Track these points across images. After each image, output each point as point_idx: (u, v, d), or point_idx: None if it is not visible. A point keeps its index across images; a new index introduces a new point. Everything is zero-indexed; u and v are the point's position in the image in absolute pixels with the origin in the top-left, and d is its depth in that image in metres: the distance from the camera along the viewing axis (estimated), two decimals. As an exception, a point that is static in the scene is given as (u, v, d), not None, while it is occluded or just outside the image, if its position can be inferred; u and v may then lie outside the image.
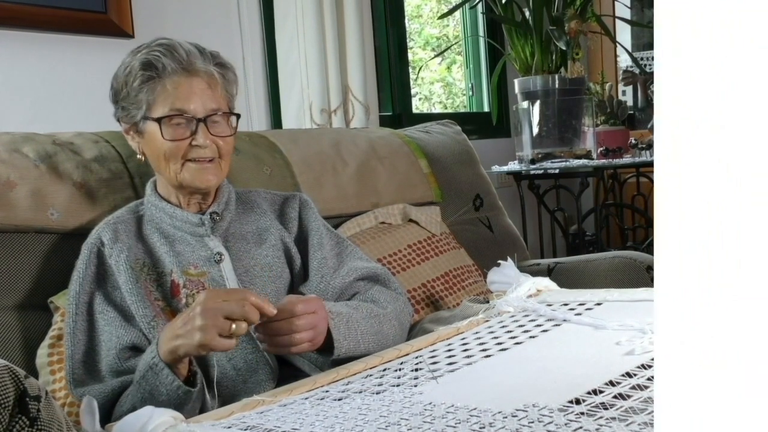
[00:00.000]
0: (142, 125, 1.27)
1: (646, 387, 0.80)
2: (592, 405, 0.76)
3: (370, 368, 1.02)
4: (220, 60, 1.30)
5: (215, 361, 1.18)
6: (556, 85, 2.85)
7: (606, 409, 0.75)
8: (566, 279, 1.70)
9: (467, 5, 3.15)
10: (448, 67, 3.63)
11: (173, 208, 1.30)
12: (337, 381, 0.98)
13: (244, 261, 1.31)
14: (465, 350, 1.05)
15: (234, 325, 1.01)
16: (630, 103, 3.63)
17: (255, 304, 1.03)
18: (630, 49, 3.59)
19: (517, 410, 0.77)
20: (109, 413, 1.13)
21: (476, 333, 1.13)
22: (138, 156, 1.32)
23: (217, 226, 1.32)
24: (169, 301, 1.24)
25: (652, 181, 3.09)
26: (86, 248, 1.28)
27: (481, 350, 1.04)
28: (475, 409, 0.79)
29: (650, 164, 2.80)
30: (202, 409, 1.13)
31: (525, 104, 2.84)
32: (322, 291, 1.34)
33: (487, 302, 1.28)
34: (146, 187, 1.35)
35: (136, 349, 1.19)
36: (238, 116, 1.32)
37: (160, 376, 1.06)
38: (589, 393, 0.80)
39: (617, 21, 3.48)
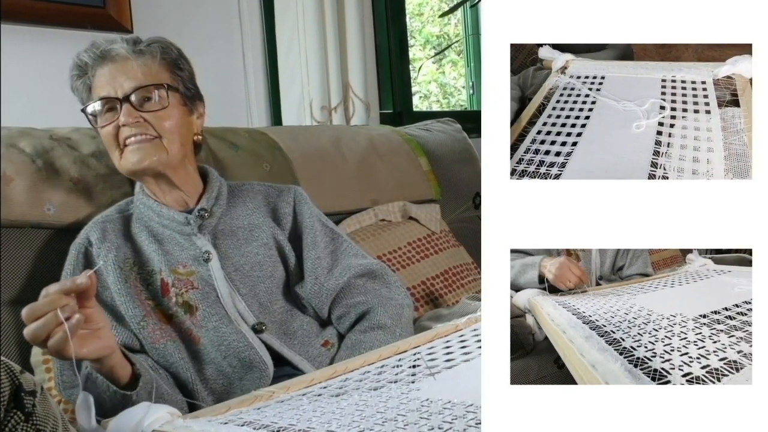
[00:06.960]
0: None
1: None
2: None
3: (368, 365, 1.01)
4: (140, 39, 1.29)
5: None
6: (557, 84, 2.84)
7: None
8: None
9: (468, 3, 3.14)
10: (442, 67, 3.63)
11: (160, 206, 1.29)
12: (335, 377, 0.98)
13: (234, 259, 1.29)
14: (463, 347, 1.04)
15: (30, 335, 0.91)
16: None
17: (57, 292, 0.91)
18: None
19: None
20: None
21: (474, 330, 1.12)
22: None
23: (206, 223, 1.30)
24: (159, 300, 1.23)
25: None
26: (74, 249, 1.27)
27: (478, 347, 1.03)
28: (471, 405, 0.79)
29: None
30: (195, 407, 1.13)
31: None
32: (316, 293, 1.32)
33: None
34: (136, 185, 1.34)
35: (127, 350, 1.18)
36: (166, 87, 1.26)
37: (96, 383, 1.01)
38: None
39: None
